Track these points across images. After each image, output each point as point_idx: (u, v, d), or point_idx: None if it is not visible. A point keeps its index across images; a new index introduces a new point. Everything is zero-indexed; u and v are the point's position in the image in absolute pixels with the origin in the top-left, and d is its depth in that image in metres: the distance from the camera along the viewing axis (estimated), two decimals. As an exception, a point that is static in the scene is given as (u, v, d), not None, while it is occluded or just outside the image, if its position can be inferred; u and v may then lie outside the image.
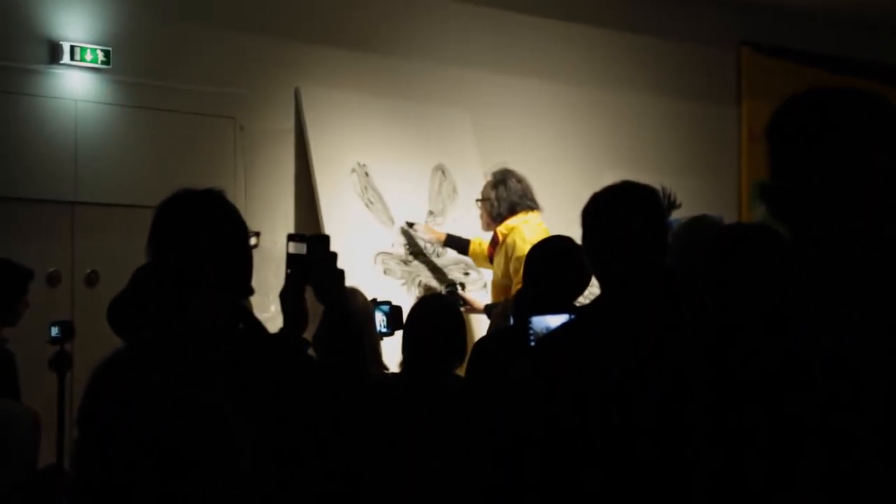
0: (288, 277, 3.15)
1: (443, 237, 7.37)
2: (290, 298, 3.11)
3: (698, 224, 4.43)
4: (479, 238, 7.20)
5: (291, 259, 3.13)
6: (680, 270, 3.83)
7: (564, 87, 9.11)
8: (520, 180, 6.89)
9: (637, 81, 9.54)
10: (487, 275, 7.17)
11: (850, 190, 1.87)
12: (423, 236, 7.43)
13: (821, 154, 1.90)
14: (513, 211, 6.74)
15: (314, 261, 3.12)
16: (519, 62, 8.85)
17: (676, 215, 9.12)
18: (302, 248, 3.14)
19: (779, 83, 9.74)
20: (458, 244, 7.32)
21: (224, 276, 2.79)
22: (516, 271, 6.44)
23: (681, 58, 9.79)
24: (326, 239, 3.16)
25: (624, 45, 9.48)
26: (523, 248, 6.41)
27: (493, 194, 6.84)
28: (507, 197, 6.78)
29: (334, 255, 3.11)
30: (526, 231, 6.58)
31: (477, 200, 7.08)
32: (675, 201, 9.36)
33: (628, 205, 3.26)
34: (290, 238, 3.15)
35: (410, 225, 7.45)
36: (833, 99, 1.94)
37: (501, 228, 6.70)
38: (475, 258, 7.25)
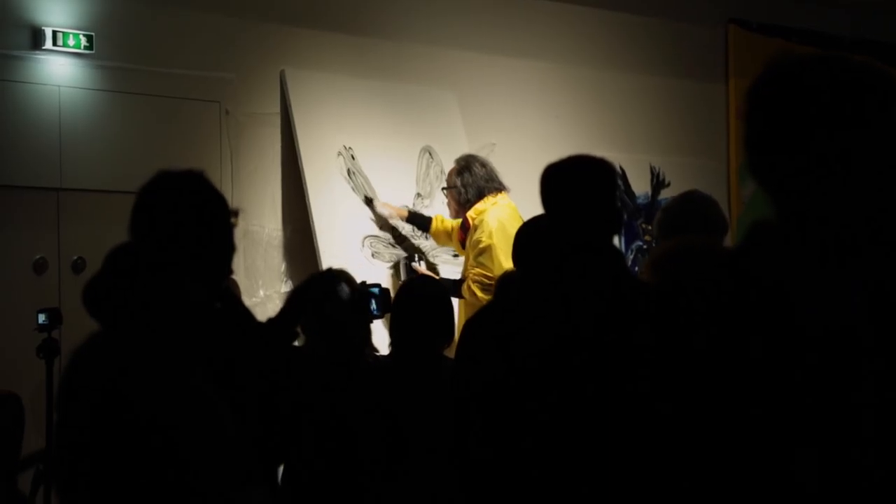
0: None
1: (405, 213, 7.36)
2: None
3: (687, 200, 4.42)
4: (440, 215, 7.21)
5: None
6: (668, 245, 3.85)
7: (551, 66, 9.07)
8: (483, 164, 6.93)
9: (624, 60, 9.51)
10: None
11: (849, 161, 1.85)
12: (381, 212, 7.39)
13: (819, 124, 1.87)
14: (480, 195, 6.77)
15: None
16: (505, 42, 8.82)
17: (665, 194, 9.17)
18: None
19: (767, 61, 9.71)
20: (420, 221, 7.31)
21: (202, 256, 2.78)
22: (474, 246, 6.50)
23: (668, 36, 9.76)
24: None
25: (611, 23, 9.44)
26: (488, 229, 6.47)
27: (458, 181, 6.87)
28: (472, 182, 6.82)
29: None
30: (492, 213, 6.61)
31: (443, 189, 7.11)
32: (663, 180, 9.38)
33: (576, 178, 3.29)
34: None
35: (369, 201, 7.43)
36: (823, 66, 1.92)
37: (471, 213, 6.73)
38: (437, 236, 7.24)
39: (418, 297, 4.61)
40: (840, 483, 1.75)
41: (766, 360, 1.80)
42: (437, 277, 7.02)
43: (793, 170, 1.88)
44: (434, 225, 7.21)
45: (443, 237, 7.19)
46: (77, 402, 2.57)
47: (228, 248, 2.93)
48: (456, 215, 6.97)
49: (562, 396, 2.92)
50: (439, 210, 7.51)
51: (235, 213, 2.91)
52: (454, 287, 6.56)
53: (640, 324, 2.73)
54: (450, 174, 7.01)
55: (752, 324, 1.83)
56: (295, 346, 3.45)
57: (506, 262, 5.97)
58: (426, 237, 7.49)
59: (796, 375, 1.78)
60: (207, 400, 2.51)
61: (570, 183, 3.29)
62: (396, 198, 7.58)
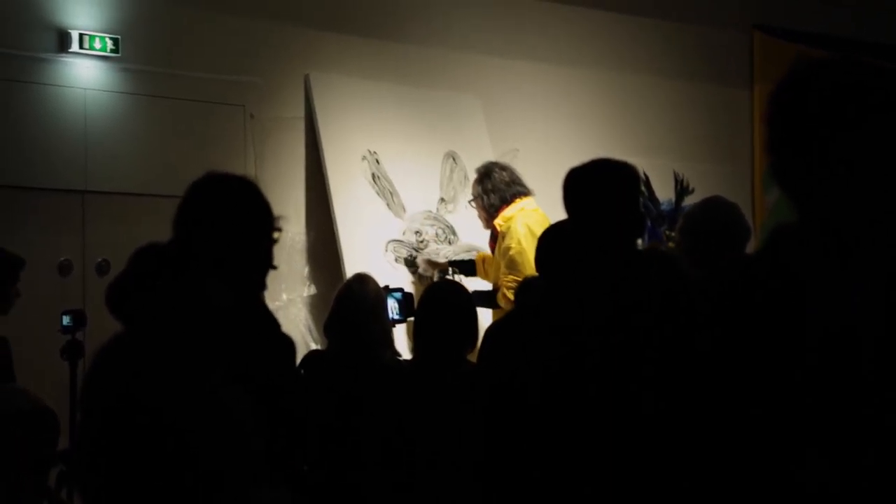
0: None
1: (446, 265, 7.23)
2: None
3: (710, 206, 4.40)
4: (480, 252, 7.08)
5: None
6: (694, 250, 3.84)
7: (576, 71, 9.07)
8: (503, 168, 6.83)
9: (649, 65, 9.49)
10: None
11: (869, 164, 1.85)
12: (424, 272, 7.29)
13: (844, 129, 1.87)
14: (504, 200, 6.68)
15: None
16: (530, 47, 8.81)
17: (689, 201, 9.14)
18: None
19: (792, 67, 9.67)
20: (463, 266, 7.12)
21: (238, 263, 2.76)
22: (504, 253, 6.42)
23: (693, 41, 9.74)
24: None
25: (636, 28, 9.43)
26: (517, 236, 6.39)
27: (480, 189, 6.77)
28: (494, 187, 6.71)
29: None
30: (520, 219, 6.52)
31: (469, 202, 6.99)
32: (687, 186, 9.35)
33: (599, 182, 3.29)
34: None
35: (412, 261, 7.35)
36: (843, 68, 1.93)
37: (499, 220, 6.64)
38: (484, 273, 7.04)
39: (443, 301, 4.58)
40: (844, 484, 1.75)
41: (778, 363, 1.81)
42: (470, 290, 6.93)
43: (813, 173, 1.88)
44: (477, 264, 7.03)
45: (491, 270, 7.00)
46: (98, 404, 2.57)
47: (265, 259, 2.90)
48: (487, 226, 6.86)
49: (581, 400, 2.91)
50: (463, 215, 7.50)
51: (278, 227, 2.87)
52: (490, 297, 6.48)
53: (660, 326, 2.73)
54: (473, 185, 6.92)
55: (763, 327, 1.83)
56: (315, 349, 3.45)
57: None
58: (450, 241, 7.48)
59: (806, 378, 1.78)
60: (225, 402, 2.51)
61: (594, 187, 3.28)
62: (420, 202, 7.58)
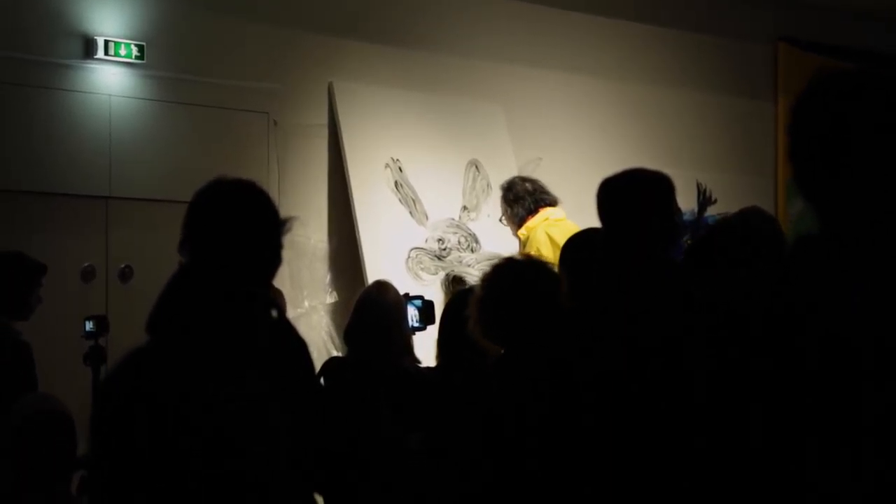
0: None
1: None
2: None
3: (749, 216, 4.35)
4: None
5: None
6: (739, 265, 3.82)
7: (599, 81, 9.06)
8: (525, 179, 6.83)
9: (673, 77, 9.48)
10: None
11: (888, 175, 1.85)
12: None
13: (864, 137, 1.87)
14: (530, 210, 6.67)
15: None
16: (553, 57, 8.81)
17: (712, 211, 9.11)
18: None
19: (816, 79, 9.64)
20: None
21: (245, 267, 2.74)
22: None
23: (717, 53, 9.72)
24: None
25: (660, 40, 9.42)
26: (536, 244, 6.37)
27: (505, 203, 6.77)
28: (516, 198, 6.70)
29: None
30: (542, 229, 6.50)
31: (500, 220, 6.96)
32: (710, 197, 9.32)
33: (635, 191, 3.27)
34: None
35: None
36: (864, 79, 1.93)
37: (522, 230, 6.63)
38: None
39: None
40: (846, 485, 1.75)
41: (789, 372, 1.81)
42: None
43: (836, 183, 1.88)
44: None
45: None
46: (119, 411, 2.56)
47: (271, 262, 2.87)
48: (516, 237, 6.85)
49: (624, 408, 2.91)
50: (485, 223, 7.50)
51: (288, 228, 2.85)
52: None
53: (697, 339, 2.72)
54: (500, 202, 6.89)
55: (781, 336, 1.83)
56: (336, 356, 3.44)
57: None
58: (472, 250, 7.48)
59: (815, 385, 1.78)
60: (264, 409, 2.52)
61: (630, 196, 3.27)
62: (443, 210, 7.58)
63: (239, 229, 2.75)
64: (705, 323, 2.13)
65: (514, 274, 3.64)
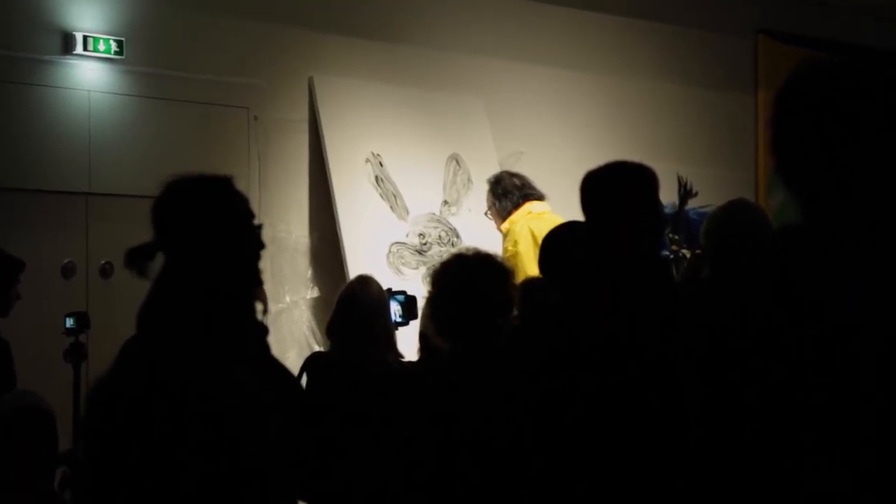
0: None
1: None
2: None
3: (736, 208, 4.35)
4: None
5: None
6: (718, 253, 3.81)
7: (580, 75, 9.06)
8: (513, 175, 6.83)
9: (653, 70, 9.49)
10: None
11: (869, 164, 1.86)
12: None
13: (847, 127, 1.88)
14: (516, 204, 6.67)
15: None
16: (534, 50, 8.81)
17: (692, 204, 9.13)
18: None
19: (796, 71, 9.65)
20: None
21: (217, 264, 2.70)
22: (503, 255, 6.40)
23: (697, 46, 9.73)
24: None
25: (640, 33, 9.43)
26: (514, 238, 6.37)
27: (492, 197, 6.76)
28: (505, 193, 6.70)
29: None
30: (523, 222, 6.50)
31: (485, 213, 6.96)
32: (691, 190, 9.33)
33: (619, 184, 3.26)
34: None
35: None
36: (845, 71, 1.94)
37: (505, 224, 6.63)
38: None
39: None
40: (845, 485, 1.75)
41: (778, 364, 1.81)
42: None
43: (816, 174, 1.89)
44: None
45: None
46: (111, 413, 2.54)
47: (248, 258, 2.80)
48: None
49: (617, 403, 2.91)
50: (465, 217, 7.50)
51: (258, 224, 2.79)
52: None
53: (684, 329, 2.72)
54: (487, 196, 6.89)
55: (765, 329, 1.84)
56: (318, 351, 3.44)
57: (531, 270, 5.91)
58: (453, 244, 7.48)
59: (806, 378, 1.78)
60: (264, 403, 2.51)
61: (614, 189, 3.25)
62: (423, 205, 7.58)
63: (214, 225, 2.71)
64: (697, 318, 2.13)
65: (461, 270, 3.62)
